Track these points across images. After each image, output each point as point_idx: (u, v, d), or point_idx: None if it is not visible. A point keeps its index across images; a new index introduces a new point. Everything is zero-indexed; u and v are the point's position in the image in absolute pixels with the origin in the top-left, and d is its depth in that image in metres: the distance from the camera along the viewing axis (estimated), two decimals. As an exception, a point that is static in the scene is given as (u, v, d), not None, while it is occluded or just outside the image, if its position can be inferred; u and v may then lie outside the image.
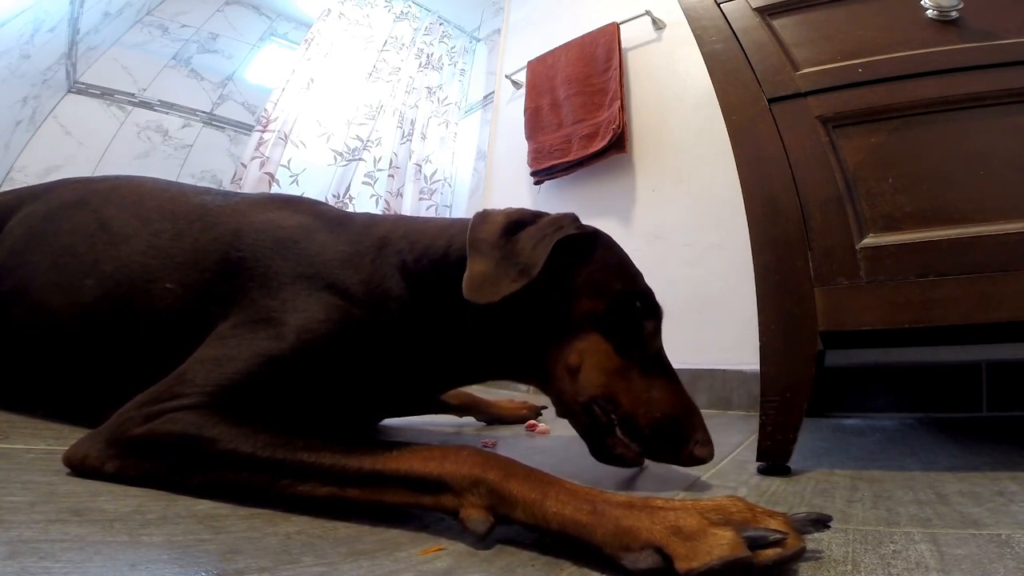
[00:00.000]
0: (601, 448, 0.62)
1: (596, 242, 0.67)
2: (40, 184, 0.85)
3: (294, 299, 0.59)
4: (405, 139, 2.50)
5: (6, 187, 1.91)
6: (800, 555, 0.36)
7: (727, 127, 0.79)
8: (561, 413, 0.66)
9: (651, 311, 0.66)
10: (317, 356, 0.57)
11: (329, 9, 2.38)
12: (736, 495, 0.39)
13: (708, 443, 0.61)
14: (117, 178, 0.79)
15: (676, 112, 1.79)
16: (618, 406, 0.60)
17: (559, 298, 0.63)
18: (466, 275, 0.57)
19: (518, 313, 0.62)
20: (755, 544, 0.34)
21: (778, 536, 0.35)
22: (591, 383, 0.61)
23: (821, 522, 0.39)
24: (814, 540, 0.42)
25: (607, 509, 0.38)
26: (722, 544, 0.33)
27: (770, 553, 0.34)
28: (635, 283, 0.67)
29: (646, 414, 0.60)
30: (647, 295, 0.67)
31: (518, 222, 0.63)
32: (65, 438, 0.57)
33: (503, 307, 0.57)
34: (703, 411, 0.64)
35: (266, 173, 2.07)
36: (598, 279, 0.64)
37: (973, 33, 0.70)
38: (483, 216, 0.63)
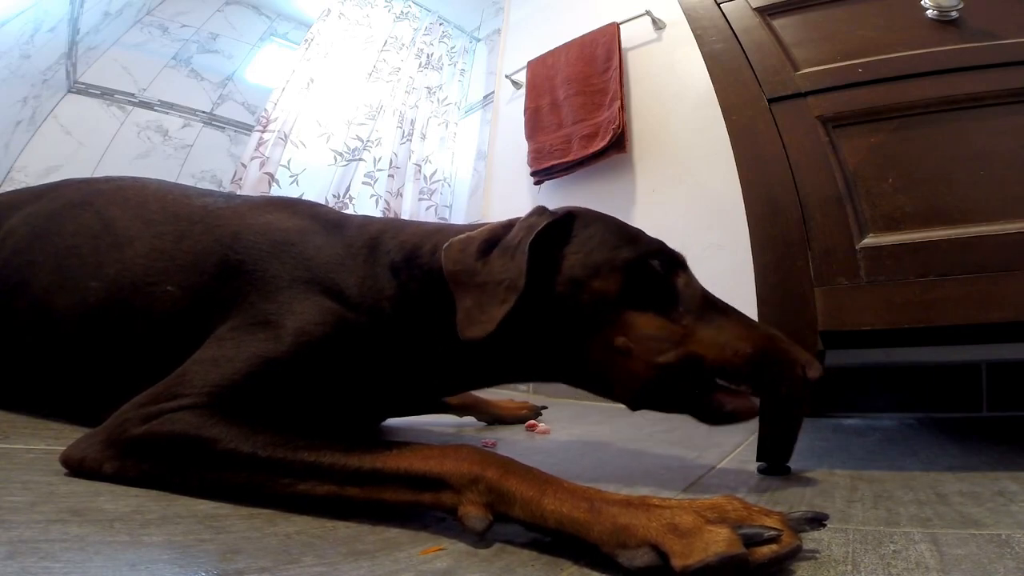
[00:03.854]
0: (708, 409, 0.57)
1: (575, 223, 0.62)
2: (43, 184, 0.85)
3: (291, 302, 0.59)
4: (405, 139, 2.50)
5: (6, 187, 1.91)
6: (796, 553, 0.36)
7: (727, 127, 0.79)
8: (637, 405, 0.59)
9: (670, 263, 0.61)
10: (314, 358, 0.57)
11: (329, 9, 2.38)
12: (734, 495, 0.39)
13: (813, 360, 0.56)
14: (121, 179, 0.79)
15: (676, 112, 1.79)
16: (700, 359, 0.55)
17: (567, 292, 0.58)
18: (458, 314, 0.55)
19: (526, 320, 0.57)
20: (751, 541, 0.34)
21: (773, 533, 0.35)
22: (653, 354, 0.55)
23: (817, 520, 0.39)
24: (814, 540, 0.42)
25: (604, 507, 0.38)
26: (718, 541, 0.33)
27: (765, 551, 0.35)
28: (637, 245, 0.61)
29: (735, 354, 0.55)
30: (658, 250, 0.62)
31: (489, 241, 0.59)
32: (65, 438, 0.57)
33: (505, 320, 0.54)
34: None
35: (266, 173, 2.07)
36: (597, 259, 0.59)
37: (973, 33, 0.70)
38: (451, 246, 0.59)
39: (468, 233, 0.61)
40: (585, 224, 0.62)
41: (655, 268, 0.59)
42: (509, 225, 0.62)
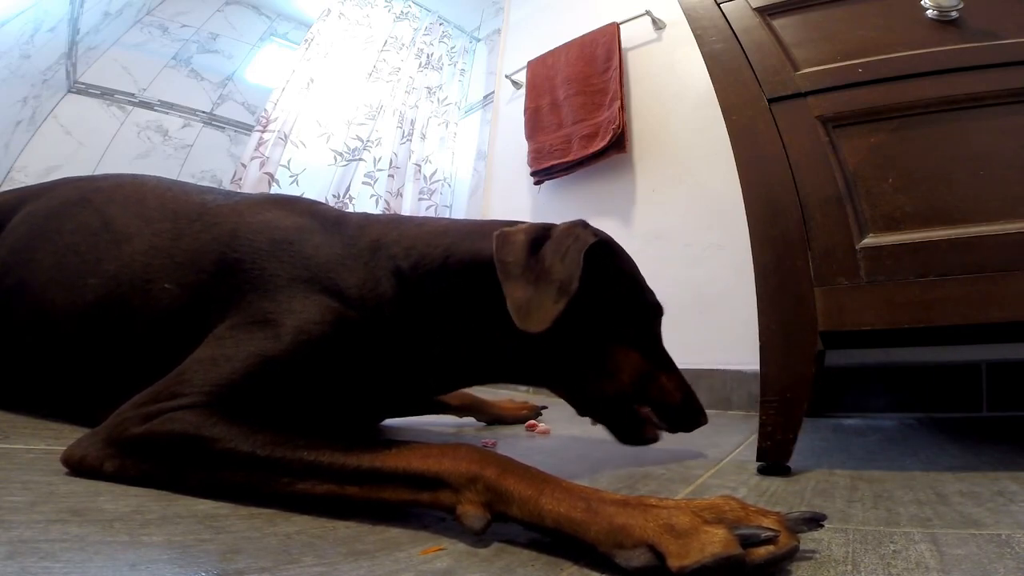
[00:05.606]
0: (635, 435, 0.70)
1: (609, 250, 0.67)
2: (42, 183, 0.85)
3: (290, 301, 0.58)
4: (405, 139, 2.50)
5: (6, 187, 1.91)
6: (793, 553, 0.36)
7: (727, 127, 0.79)
8: (586, 413, 0.70)
9: (658, 313, 0.72)
10: (313, 357, 0.57)
11: (329, 9, 2.38)
12: (733, 495, 0.39)
13: (704, 413, 0.72)
14: (120, 176, 0.79)
15: (676, 112, 1.79)
16: (650, 400, 0.69)
17: (583, 315, 0.62)
18: (509, 304, 0.55)
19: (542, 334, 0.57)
20: (747, 542, 0.34)
21: (770, 534, 0.35)
22: (627, 389, 0.67)
23: (815, 520, 0.39)
24: (814, 540, 0.42)
25: (601, 507, 0.38)
26: (715, 542, 0.33)
27: (762, 551, 0.35)
28: (646, 291, 0.71)
29: (671, 402, 0.69)
30: (654, 299, 0.72)
31: (537, 239, 0.61)
32: (65, 438, 0.57)
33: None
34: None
35: (266, 173, 2.07)
36: (620, 293, 0.68)
37: (973, 33, 0.70)
38: (503, 237, 0.60)
39: (516, 227, 0.63)
40: (618, 257, 0.70)
41: (652, 317, 0.71)
42: (547, 227, 0.64)
